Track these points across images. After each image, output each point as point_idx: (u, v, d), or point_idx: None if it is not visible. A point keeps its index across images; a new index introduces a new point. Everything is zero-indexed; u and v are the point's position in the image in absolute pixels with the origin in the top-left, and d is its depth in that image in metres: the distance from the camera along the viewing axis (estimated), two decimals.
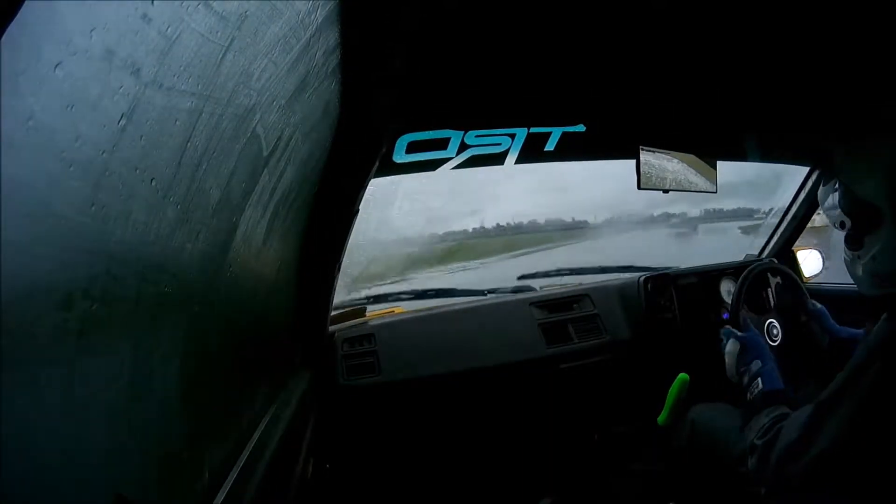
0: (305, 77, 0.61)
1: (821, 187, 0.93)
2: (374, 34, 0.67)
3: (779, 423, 0.85)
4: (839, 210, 0.85)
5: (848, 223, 0.84)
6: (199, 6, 0.37)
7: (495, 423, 1.50)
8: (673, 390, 1.30)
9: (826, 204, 0.89)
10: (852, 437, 0.72)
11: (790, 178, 1.76)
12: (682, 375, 1.29)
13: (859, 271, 0.84)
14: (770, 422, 0.87)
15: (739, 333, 1.11)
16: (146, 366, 0.44)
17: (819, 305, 1.29)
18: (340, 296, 1.49)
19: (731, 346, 1.10)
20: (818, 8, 0.91)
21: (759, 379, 0.99)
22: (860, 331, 1.16)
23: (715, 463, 1.11)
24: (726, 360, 1.10)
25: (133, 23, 0.32)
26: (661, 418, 1.31)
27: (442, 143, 1.20)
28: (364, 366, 1.36)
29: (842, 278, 1.84)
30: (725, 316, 1.53)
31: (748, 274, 1.30)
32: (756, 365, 1.02)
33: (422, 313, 1.54)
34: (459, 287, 1.69)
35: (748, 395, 0.99)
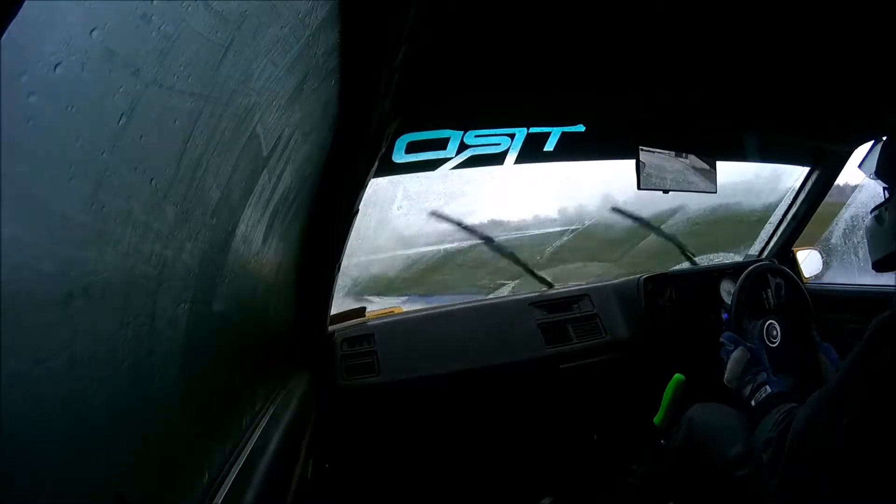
0: (305, 77, 0.61)
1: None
2: (374, 34, 0.67)
3: (791, 414, 0.85)
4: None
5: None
6: (199, 6, 0.37)
7: (495, 423, 1.50)
8: (668, 391, 1.30)
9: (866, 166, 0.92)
10: (864, 419, 0.72)
11: None
12: (678, 376, 1.29)
13: (885, 226, 0.84)
14: (782, 416, 0.87)
15: (748, 344, 1.10)
16: (146, 366, 0.44)
17: (825, 344, 1.28)
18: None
19: (739, 354, 1.09)
20: (818, 8, 0.91)
21: (767, 386, 0.99)
22: None
23: (712, 463, 1.11)
24: (730, 365, 1.09)
25: (133, 23, 0.32)
26: (657, 419, 1.31)
27: (441, 143, 1.20)
28: (364, 366, 1.36)
29: (842, 278, 1.85)
30: (725, 316, 1.53)
31: (748, 275, 1.30)
32: (762, 377, 1.02)
33: (421, 313, 1.54)
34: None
35: (752, 402, 0.99)
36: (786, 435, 0.81)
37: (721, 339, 1.15)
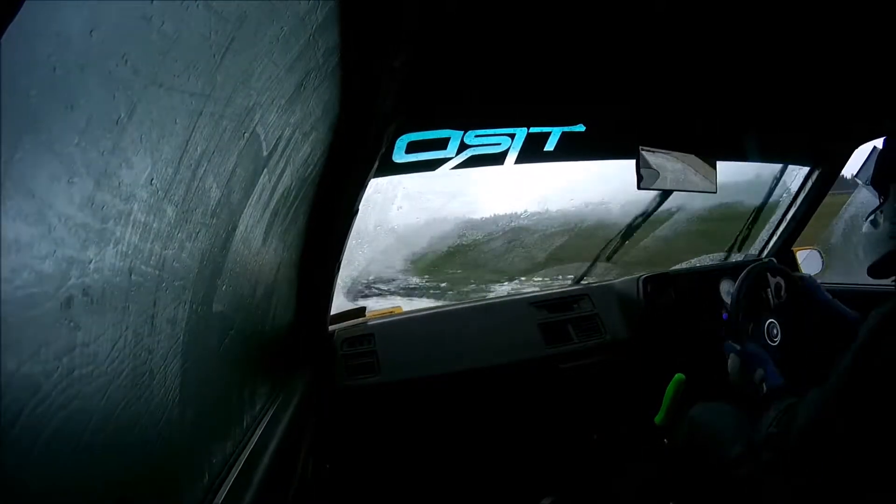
0: (305, 77, 0.61)
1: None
2: (374, 34, 0.67)
3: (791, 410, 0.85)
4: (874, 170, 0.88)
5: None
6: (199, 6, 0.37)
7: (495, 423, 1.50)
8: (669, 390, 1.30)
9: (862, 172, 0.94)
10: (867, 416, 0.72)
11: None
12: (679, 375, 1.29)
13: (880, 229, 0.85)
14: (781, 412, 0.87)
15: (738, 348, 1.11)
16: (146, 366, 0.44)
17: (810, 277, 1.31)
18: None
19: (732, 363, 1.11)
20: (817, 8, 0.91)
21: (763, 384, 0.99)
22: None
23: (713, 463, 1.11)
24: (730, 376, 1.11)
25: (133, 23, 0.32)
26: (658, 418, 1.31)
27: (442, 143, 1.20)
28: (364, 366, 1.36)
29: (842, 278, 1.85)
30: (725, 316, 1.52)
31: (747, 274, 1.30)
32: (759, 374, 1.03)
33: (421, 313, 1.54)
34: None
35: (759, 394, 1.00)
36: (787, 432, 0.81)
37: (724, 351, 1.16)
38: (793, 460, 0.79)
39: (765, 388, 0.98)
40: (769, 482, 0.87)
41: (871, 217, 0.89)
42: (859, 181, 0.98)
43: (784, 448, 0.81)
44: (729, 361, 1.12)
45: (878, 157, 0.89)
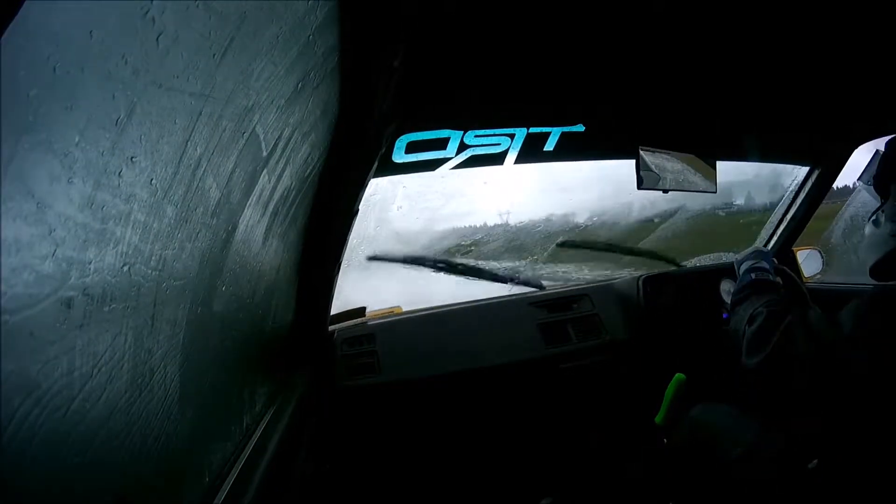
0: (305, 77, 0.61)
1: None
2: (374, 34, 0.67)
3: (771, 309, 0.86)
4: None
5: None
6: (199, 6, 0.37)
7: (495, 423, 1.50)
8: (669, 390, 1.30)
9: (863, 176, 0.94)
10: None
11: None
12: (679, 375, 1.29)
13: (881, 228, 0.85)
14: (763, 308, 0.87)
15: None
16: (146, 366, 0.44)
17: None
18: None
19: (749, 251, 1.17)
20: (817, 8, 0.91)
21: (754, 274, 1.02)
22: None
23: (713, 463, 1.11)
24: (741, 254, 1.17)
25: (133, 23, 0.32)
26: (658, 418, 1.31)
27: (441, 143, 1.20)
28: (364, 366, 1.36)
29: (842, 278, 1.85)
30: (725, 316, 1.52)
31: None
32: (764, 263, 1.09)
33: (421, 313, 1.54)
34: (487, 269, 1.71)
35: (752, 275, 1.05)
36: (772, 317, 0.82)
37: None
38: (776, 359, 0.80)
39: (751, 276, 1.03)
40: (747, 358, 0.87)
41: (873, 217, 0.89)
42: (860, 183, 0.98)
43: (768, 333, 0.82)
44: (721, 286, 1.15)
45: (881, 159, 0.89)
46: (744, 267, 1.12)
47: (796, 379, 0.77)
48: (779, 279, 1.03)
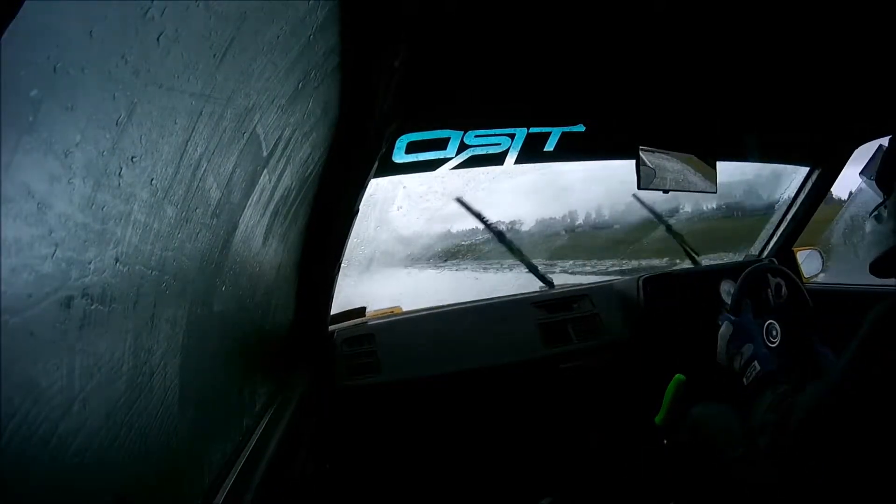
0: (305, 77, 0.61)
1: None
2: (374, 34, 0.67)
3: (788, 399, 0.84)
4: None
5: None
6: (199, 6, 0.37)
7: (495, 423, 1.50)
8: (669, 391, 1.30)
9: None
10: (870, 412, 0.71)
11: None
12: (679, 376, 1.29)
13: (884, 223, 0.85)
14: (777, 398, 0.86)
15: (733, 318, 1.11)
16: (146, 366, 0.44)
17: (824, 350, 1.29)
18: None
19: (723, 329, 1.11)
20: (817, 8, 0.91)
21: (756, 362, 0.99)
22: None
23: (713, 463, 1.11)
24: (718, 343, 1.11)
25: (133, 23, 0.32)
26: (658, 418, 1.31)
27: (441, 143, 1.20)
28: (364, 366, 1.36)
29: (841, 278, 1.85)
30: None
31: (747, 275, 1.30)
32: (749, 349, 1.02)
33: (421, 313, 1.54)
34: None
35: (744, 379, 1.00)
36: (785, 420, 0.80)
37: (718, 322, 1.16)
38: (790, 453, 0.79)
39: (757, 368, 0.98)
40: (764, 470, 0.87)
41: (875, 213, 0.88)
42: (862, 178, 0.98)
43: (781, 439, 0.80)
44: (720, 330, 1.12)
45: (884, 155, 0.88)
46: (735, 369, 1.05)
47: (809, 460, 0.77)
48: (772, 367, 1.00)
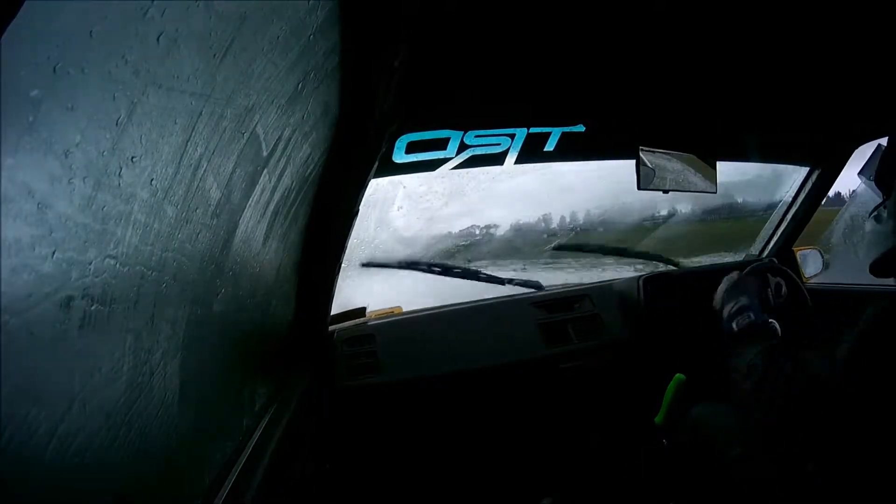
0: (306, 77, 0.61)
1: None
2: (374, 34, 0.67)
3: (779, 349, 0.85)
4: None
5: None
6: (199, 6, 0.37)
7: (495, 423, 1.50)
8: (669, 391, 1.30)
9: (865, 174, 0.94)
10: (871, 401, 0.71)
11: None
12: (679, 376, 1.30)
13: (883, 224, 0.85)
14: (758, 360, 0.87)
15: (735, 277, 1.14)
16: (146, 366, 0.44)
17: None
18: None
19: (725, 284, 1.14)
20: (817, 8, 0.91)
21: (750, 312, 1.00)
22: None
23: (713, 463, 1.11)
24: (717, 293, 1.13)
25: (133, 23, 0.32)
26: (658, 418, 1.31)
27: (441, 143, 1.20)
28: (364, 366, 1.36)
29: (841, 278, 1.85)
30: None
31: (747, 274, 1.30)
32: (744, 300, 1.04)
33: (422, 313, 1.54)
34: (483, 272, 1.71)
35: (734, 324, 1.01)
36: (771, 370, 0.82)
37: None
38: (777, 428, 0.80)
39: (750, 317, 1.00)
40: (763, 467, 0.87)
41: (875, 213, 0.88)
42: (862, 178, 0.97)
43: (764, 384, 0.82)
44: (723, 282, 1.13)
45: (884, 155, 0.88)
46: (725, 315, 1.06)
47: (803, 427, 0.77)
48: (766, 319, 1.01)
